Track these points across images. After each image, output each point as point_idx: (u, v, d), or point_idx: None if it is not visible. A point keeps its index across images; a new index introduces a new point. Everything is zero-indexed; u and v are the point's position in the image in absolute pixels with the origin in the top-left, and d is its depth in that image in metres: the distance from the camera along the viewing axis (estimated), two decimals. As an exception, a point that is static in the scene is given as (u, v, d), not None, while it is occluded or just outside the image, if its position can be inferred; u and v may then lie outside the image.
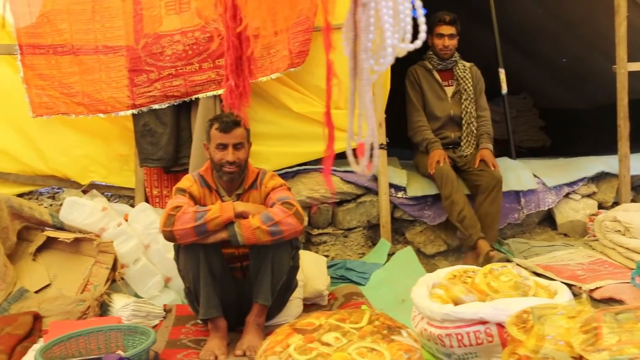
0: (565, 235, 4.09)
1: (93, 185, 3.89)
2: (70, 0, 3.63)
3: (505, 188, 3.77)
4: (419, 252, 3.89)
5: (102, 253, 3.13)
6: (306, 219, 3.56)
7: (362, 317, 2.04)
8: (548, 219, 4.19)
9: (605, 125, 4.36)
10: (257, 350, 2.42)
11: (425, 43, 1.20)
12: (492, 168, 3.69)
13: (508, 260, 3.28)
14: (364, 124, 1.13)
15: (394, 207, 3.90)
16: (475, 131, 3.92)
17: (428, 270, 3.39)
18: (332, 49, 1.11)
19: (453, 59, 3.97)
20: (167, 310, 3.06)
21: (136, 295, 3.14)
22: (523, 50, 5.96)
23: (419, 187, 3.88)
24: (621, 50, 3.91)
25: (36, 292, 3.09)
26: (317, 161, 3.86)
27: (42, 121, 3.72)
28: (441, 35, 3.89)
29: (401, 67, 3.05)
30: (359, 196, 3.88)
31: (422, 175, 3.96)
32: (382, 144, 3.80)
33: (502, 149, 4.71)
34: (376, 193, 3.85)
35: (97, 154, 3.86)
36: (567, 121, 6.13)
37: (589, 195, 4.14)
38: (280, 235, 2.55)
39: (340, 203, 3.87)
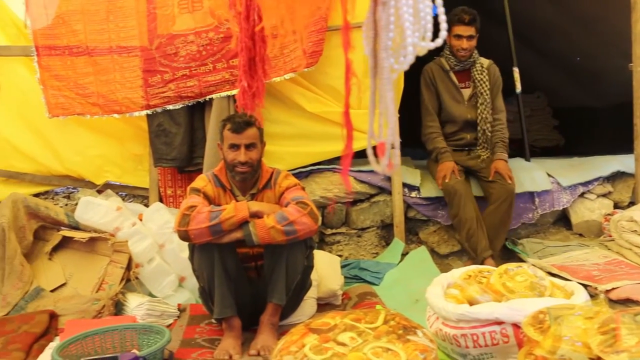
0: (581, 235, 4.05)
1: (108, 185, 3.92)
2: (85, 1, 3.65)
3: (519, 189, 3.74)
4: (432, 251, 3.87)
5: (117, 252, 3.15)
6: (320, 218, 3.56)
7: (378, 317, 2.04)
8: (563, 219, 4.15)
9: (620, 124, 4.31)
10: (271, 350, 2.42)
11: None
12: (509, 181, 3.61)
13: None
14: (385, 123, 1.12)
15: (408, 206, 3.89)
16: (490, 135, 3.83)
17: (442, 270, 3.37)
18: (351, 48, 1.10)
19: (471, 59, 3.84)
20: (181, 309, 3.07)
21: (150, 295, 3.16)
22: (536, 48, 5.91)
23: (433, 187, 3.86)
24: (637, 48, 3.85)
25: (52, 291, 3.13)
26: (331, 161, 3.86)
27: (57, 122, 3.76)
28: (459, 37, 3.72)
29: (415, 63, 3.02)
30: (372, 196, 3.87)
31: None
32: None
33: (516, 148, 4.68)
34: (390, 193, 3.84)
35: (112, 154, 3.89)
36: (582, 120, 6.08)
37: (604, 195, 4.10)
38: (295, 235, 2.55)
39: (354, 203, 3.87)
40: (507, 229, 3.70)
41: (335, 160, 3.88)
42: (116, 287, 3.03)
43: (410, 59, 1.06)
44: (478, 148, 3.85)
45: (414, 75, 3.96)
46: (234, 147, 2.70)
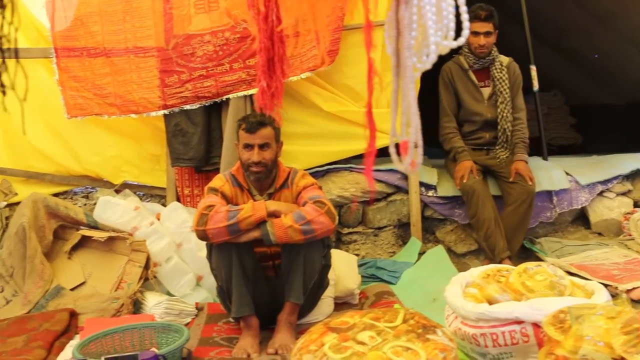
0: (600, 234, 4.01)
1: (125, 185, 3.95)
2: (102, 2, 3.68)
3: (537, 188, 3.70)
4: (449, 251, 3.86)
5: (135, 252, 3.17)
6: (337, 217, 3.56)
7: (397, 316, 2.03)
8: (581, 218, 4.11)
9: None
10: (289, 349, 2.43)
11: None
12: (529, 183, 3.58)
13: None
14: (407, 122, 1.12)
15: (425, 205, 3.88)
16: (510, 134, 3.78)
17: (459, 270, 3.36)
18: (373, 48, 1.10)
19: (490, 57, 3.78)
20: (199, 308, 3.09)
21: (168, 294, 3.18)
22: (554, 46, 5.86)
23: (450, 186, 3.84)
24: (657, 45, 3.82)
25: (72, 289, 3.16)
26: (347, 160, 3.86)
27: (76, 122, 3.80)
28: (476, 34, 3.65)
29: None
30: (389, 195, 3.86)
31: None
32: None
33: (533, 147, 4.63)
34: (406, 192, 3.83)
35: (129, 154, 3.93)
36: (600, 118, 6.01)
37: (624, 194, 4.05)
38: (313, 234, 2.55)
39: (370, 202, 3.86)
40: (526, 230, 3.67)
41: (352, 159, 3.88)
42: (134, 286, 3.06)
43: (433, 58, 1.06)
44: (497, 148, 3.81)
45: (432, 73, 3.93)
46: (248, 146, 2.71)
